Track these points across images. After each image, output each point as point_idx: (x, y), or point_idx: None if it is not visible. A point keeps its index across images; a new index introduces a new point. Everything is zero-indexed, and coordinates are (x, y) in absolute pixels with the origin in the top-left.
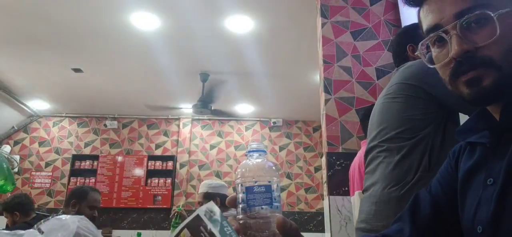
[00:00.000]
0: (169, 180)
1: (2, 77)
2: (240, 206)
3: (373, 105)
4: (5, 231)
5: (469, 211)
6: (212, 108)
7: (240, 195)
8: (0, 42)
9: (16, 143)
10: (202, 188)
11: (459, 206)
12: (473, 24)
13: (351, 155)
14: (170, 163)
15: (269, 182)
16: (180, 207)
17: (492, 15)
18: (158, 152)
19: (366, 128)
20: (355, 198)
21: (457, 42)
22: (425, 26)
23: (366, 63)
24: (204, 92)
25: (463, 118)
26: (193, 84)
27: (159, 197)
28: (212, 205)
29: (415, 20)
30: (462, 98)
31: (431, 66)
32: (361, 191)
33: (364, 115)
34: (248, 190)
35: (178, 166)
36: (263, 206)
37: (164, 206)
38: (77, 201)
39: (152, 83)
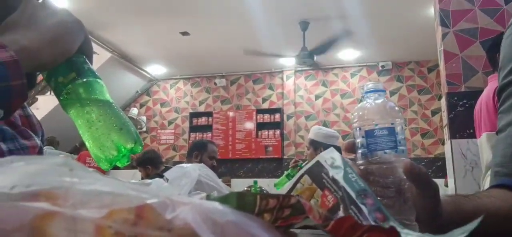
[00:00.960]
0: (278, 132)
1: (123, 47)
2: (360, 151)
3: (502, 33)
4: (136, 181)
5: None
6: (315, 59)
7: (359, 140)
8: (119, 14)
9: (141, 105)
10: (310, 134)
11: None
12: None
13: (476, 94)
14: (277, 115)
15: (392, 124)
16: (302, 163)
17: None
18: (265, 105)
19: (495, 61)
20: (483, 140)
21: None
22: None
23: None
24: (305, 41)
25: None
26: (294, 34)
27: (270, 148)
28: (332, 151)
29: None
30: None
31: None
32: (489, 132)
33: (492, 46)
34: (368, 133)
35: (285, 117)
36: (386, 150)
37: (276, 156)
38: (199, 152)
39: (254, 39)
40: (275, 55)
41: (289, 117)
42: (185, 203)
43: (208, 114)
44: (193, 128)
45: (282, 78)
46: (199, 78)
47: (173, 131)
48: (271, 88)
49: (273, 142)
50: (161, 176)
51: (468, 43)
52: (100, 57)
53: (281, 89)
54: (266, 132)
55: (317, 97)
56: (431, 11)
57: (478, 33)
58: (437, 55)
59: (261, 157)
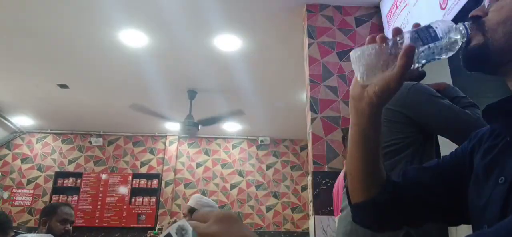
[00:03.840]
0: (153, 199)
1: None
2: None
3: None
4: None
5: (478, 207)
6: (200, 127)
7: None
8: None
9: None
10: (191, 201)
11: (469, 200)
12: None
13: (336, 174)
14: (155, 181)
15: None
16: (156, 231)
17: None
18: (143, 170)
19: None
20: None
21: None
22: None
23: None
24: (191, 110)
25: (441, 139)
26: (180, 101)
27: (143, 216)
28: (185, 223)
29: None
30: None
31: None
32: None
33: (346, 134)
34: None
35: (163, 184)
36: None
37: (148, 225)
38: (47, 219)
39: (139, 100)
40: (161, 116)
41: (167, 184)
42: None
43: (78, 175)
44: (57, 190)
45: (165, 143)
46: (72, 135)
47: (32, 191)
48: (152, 152)
49: (147, 210)
50: None
51: (332, 128)
52: None
53: (162, 154)
54: (141, 199)
55: (198, 165)
56: (305, 97)
57: (340, 121)
58: (307, 136)
59: (132, 226)
